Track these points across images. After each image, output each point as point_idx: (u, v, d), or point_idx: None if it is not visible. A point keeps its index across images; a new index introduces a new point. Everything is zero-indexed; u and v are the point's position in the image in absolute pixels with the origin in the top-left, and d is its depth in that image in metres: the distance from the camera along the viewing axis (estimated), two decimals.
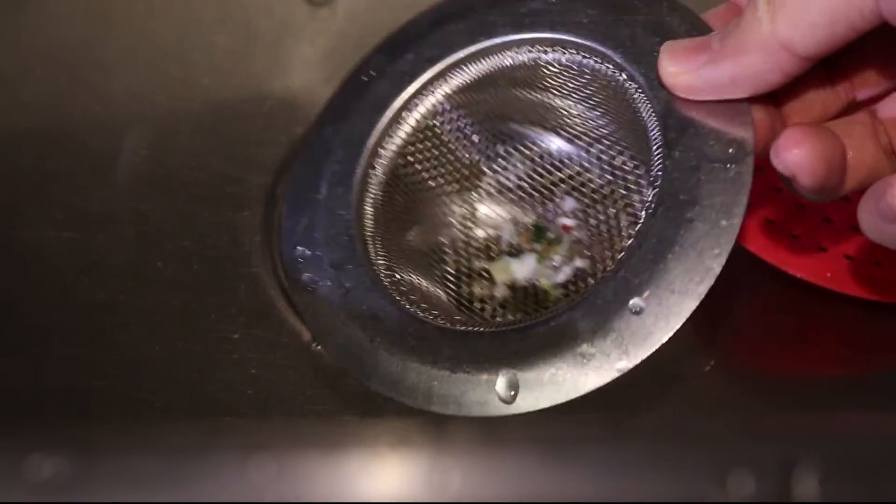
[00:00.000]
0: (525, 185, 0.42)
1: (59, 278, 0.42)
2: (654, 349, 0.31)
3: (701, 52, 0.32)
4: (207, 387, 0.39)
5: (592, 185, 0.41)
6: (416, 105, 0.39)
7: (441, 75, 0.38)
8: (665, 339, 0.31)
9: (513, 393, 0.32)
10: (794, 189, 0.32)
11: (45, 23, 0.51)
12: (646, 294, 0.31)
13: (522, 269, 0.40)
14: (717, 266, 0.31)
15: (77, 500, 0.33)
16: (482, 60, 0.38)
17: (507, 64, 0.38)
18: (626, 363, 0.31)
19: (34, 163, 0.46)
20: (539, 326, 0.33)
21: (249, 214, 0.44)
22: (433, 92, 0.39)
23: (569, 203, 0.41)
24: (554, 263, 0.40)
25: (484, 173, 0.42)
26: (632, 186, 0.39)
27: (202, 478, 0.34)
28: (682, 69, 0.32)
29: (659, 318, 0.31)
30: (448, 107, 0.39)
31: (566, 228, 0.41)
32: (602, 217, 0.40)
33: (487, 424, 0.37)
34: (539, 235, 0.41)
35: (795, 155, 0.31)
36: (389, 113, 0.38)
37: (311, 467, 0.34)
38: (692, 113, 0.33)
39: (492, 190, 0.42)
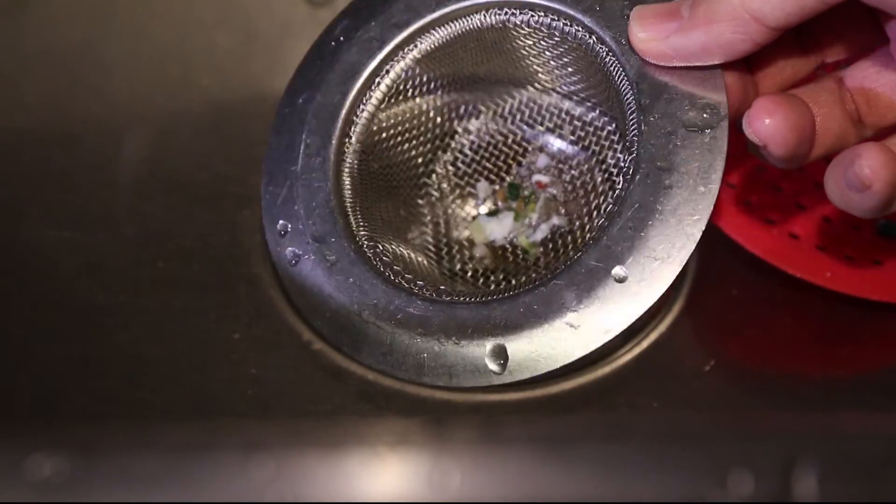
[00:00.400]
0: (498, 142, 0.42)
1: (60, 278, 0.42)
2: (637, 316, 0.31)
3: (671, 20, 0.32)
4: (207, 386, 0.39)
5: (565, 142, 0.41)
6: (387, 71, 0.39)
7: (410, 40, 0.38)
8: (649, 305, 0.31)
9: (502, 363, 0.33)
10: (763, 156, 0.32)
11: (46, 23, 0.51)
12: (628, 262, 0.32)
13: (501, 228, 0.41)
14: (696, 232, 0.31)
15: (77, 500, 0.33)
16: (451, 24, 0.38)
17: (476, 26, 0.38)
18: (611, 330, 0.32)
19: (35, 163, 0.46)
20: (525, 296, 0.33)
21: (250, 214, 0.44)
22: (403, 57, 0.38)
23: (542, 160, 0.42)
24: (531, 221, 0.41)
25: (456, 132, 0.42)
26: (604, 143, 0.39)
27: (202, 477, 0.34)
28: (651, 35, 0.32)
29: (642, 285, 0.31)
30: (418, 70, 0.39)
31: (541, 185, 0.41)
32: (576, 172, 0.40)
33: (487, 424, 0.37)
34: (515, 193, 0.41)
35: (767, 125, 0.31)
36: (360, 80, 0.38)
37: (311, 467, 0.34)
38: (665, 78, 0.33)
39: (466, 150, 0.42)
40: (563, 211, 0.41)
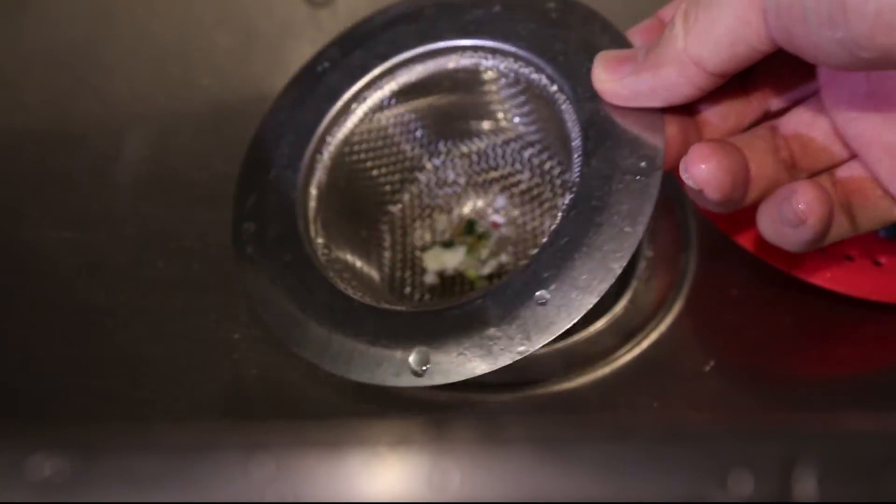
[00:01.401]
0: (461, 181, 0.45)
1: (60, 278, 0.42)
2: (553, 336, 0.34)
3: (627, 63, 0.34)
4: (208, 387, 0.39)
5: (522, 187, 0.44)
6: (365, 98, 0.41)
7: (389, 72, 0.41)
8: (564, 328, 0.34)
9: (424, 368, 0.35)
10: (702, 201, 0.34)
11: (46, 23, 0.51)
12: (552, 287, 0.34)
13: (452, 259, 0.44)
14: (617, 267, 0.34)
15: (77, 500, 0.34)
16: (428, 61, 0.41)
17: (451, 67, 0.41)
18: (527, 347, 0.34)
19: (35, 163, 0.46)
20: (453, 310, 0.35)
21: None
22: (381, 87, 0.41)
23: (500, 201, 0.45)
24: (481, 257, 0.44)
25: (424, 167, 0.44)
26: (557, 191, 0.42)
27: (203, 478, 0.34)
28: (610, 77, 0.35)
29: (561, 310, 0.34)
30: (394, 101, 0.42)
31: (495, 225, 0.44)
32: (528, 217, 0.43)
33: (487, 424, 0.37)
34: (470, 229, 0.44)
35: (703, 171, 0.32)
36: (339, 103, 0.41)
37: (312, 467, 0.34)
38: (611, 127, 0.35)
39: (431, 183, 0.44)
40: (511, 250, 0.44)
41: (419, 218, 0.45)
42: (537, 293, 0.34)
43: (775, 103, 0.36)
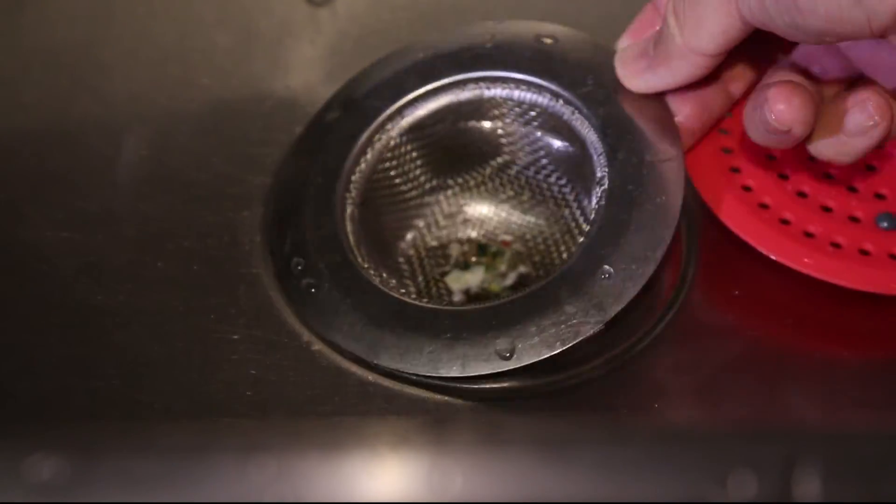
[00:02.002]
0: (469, 209, 0.47)
1: (59, 278, 0.42)
2: (624, 304, 0.37)
3: (642, 59, 0.39)
4: (207, 387, 0.39)
5: (526, 206, 0.47)
6: (378, 139, 0.44)
7: (398, 112, 0.44)
8: (633, 295, 0.37)
9: (509, 353, 0.37)
10: (773, 142, 0.38)
11: (45, 23, 0.51)
12: (613, 261, 0.37)
13: (473, 278, 0.46)
14: (667, 236, 0.38)
15: (76, 501, 0.33)
16: (432, 99, 0.44)
17: (454, 100, 0.44)
18: (602, 317, 0.37)
19: (34, 163, 0.46)
20: (525, 298, 0.38)
21: (249, 215, 0.43)
22: (390, 129, 0.44)
23: (507, 220, 0.47)
24: (500, 272, 0.45)
25: (436, 200, 0.47)
26: (561, 203, 0.45)
27: (202, 478, 0.34)
28: (631, 73, 0.40)
29: (626, 281, 0.37)
30: (404, 139, 0.44)
31: (506, 244, 0.46)
32: (536, 231, 0.46)
33: (487, 425, 0.37)
34: (483, 252, 0.46)
35: (787, 108, 0.36)
36: (356, 148, 0.43)
37: (311, 468, 0.34)
38: (627, 124, 0.40)
39: (442, 214, 0.46)
40: (528, 262, 0.46)
41: (433, 248, 0.46)
42: (602, 268, 0.37)
43: (781, 53, 0.40)
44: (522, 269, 0.45)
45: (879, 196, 0.42)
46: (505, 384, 0.39)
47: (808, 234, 0.40)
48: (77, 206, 0.44)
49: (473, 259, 0.46)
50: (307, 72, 0.49)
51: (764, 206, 0.41)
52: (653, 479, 0.33)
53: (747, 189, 0.42)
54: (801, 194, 0.42)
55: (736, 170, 0.42)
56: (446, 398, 0.38)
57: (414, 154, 0.45)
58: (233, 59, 0.49)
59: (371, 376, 0.38)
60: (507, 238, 0.46)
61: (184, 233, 0.43)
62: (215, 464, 0.34)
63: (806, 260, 0.40)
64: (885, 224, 0.41)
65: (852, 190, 0.42)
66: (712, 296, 0.41)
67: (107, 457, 0.34)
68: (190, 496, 0.33)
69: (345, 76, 0.45)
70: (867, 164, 0.43)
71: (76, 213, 0.44)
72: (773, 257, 0.40)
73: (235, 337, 0.40)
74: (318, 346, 0.39)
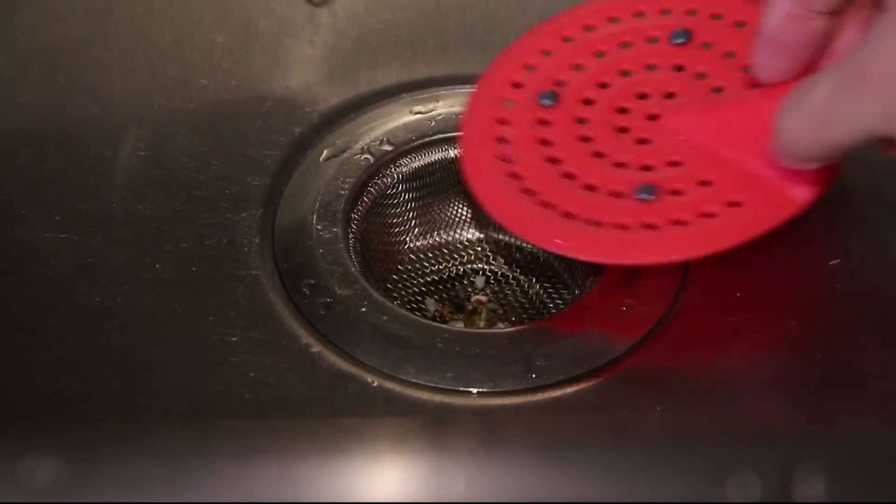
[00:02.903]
0: (442, 265, 0.49)
1: (57, 279, 0.42)
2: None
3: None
4: (206, 389, 0.39)
5: (500, 271, 0.48)
6: (372, 185, 0.45)
7: (395, 158, 0.45)
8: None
9: (538, 367, 0.38)
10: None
11: (42, 22, 0.51)
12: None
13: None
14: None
15: (75, 503, 0.33)
16: (423, 152, 0.46)
17: (442, 157, 0.46)
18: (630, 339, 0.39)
19: (31, 163, 0.46)
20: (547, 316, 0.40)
21: (248, 216, 0.43)
22: (387, 174, 0.46)
23: (479, 280, 0.49)
24: (480, 325, 0.47)
25: (410, 255, 0.48)
26: (532, 266, 0.47)
27: (201, 480, 0.34)
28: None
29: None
30: (400, 188, 0.46)
31: (481, 303, 0.47)
32: (509, 291, 0.47)
33: (488, 427, 0.37)
34: (458, 310, 0.48)
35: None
36: (352, 189, 0.44)
37: (311, 469, 0.34)
38: None
39: (417, 268, 0.48)
40: (505, 319, 0.47)
41: (409, 302, 0.47)
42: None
43: None
44: (501, 325, 0.47)
45: (646, 168, 0.41)
46: (504, 387, 0.39)
47: (568, 216, 0.40)
48: (75, 206, 0.44)
49: (449, 316, 0.47)
50: (306, 72, 0.49)
51: (527, 192, 0.40)
52: (655, 482, 0.33)
53: (515, 176, 0.41)
54: (569, 176, 0.41)
55: (509, 160, 0.41)
56: (446, 400, 0.38)
57: (402, 208, 0.47)
58: (231, 60, 0.49)
59: (370, 378, 0.38)
60: (481, 298, 0.47)
61: (182, 234, 0.43)
62: (214, 466, 0.34)
63: (558, 241, 0.39)
64: (645, 195, 0.40)
65: (620, 166, 0.41)
66: (713, 298, 0.41)
67: (105, 458, 0.34)
68: (188, 498, 0.33)
69: (344, 76, 0.45)
70: (640, 139, 0.41)
71: (74, 214, 0.44)
72: (527, 241, 0.41)
73: (234, 339, 0.40)
74: (316, 348, 0.39)
